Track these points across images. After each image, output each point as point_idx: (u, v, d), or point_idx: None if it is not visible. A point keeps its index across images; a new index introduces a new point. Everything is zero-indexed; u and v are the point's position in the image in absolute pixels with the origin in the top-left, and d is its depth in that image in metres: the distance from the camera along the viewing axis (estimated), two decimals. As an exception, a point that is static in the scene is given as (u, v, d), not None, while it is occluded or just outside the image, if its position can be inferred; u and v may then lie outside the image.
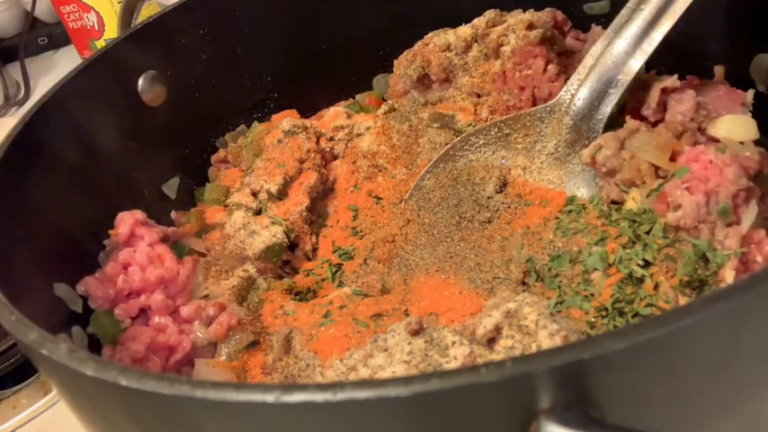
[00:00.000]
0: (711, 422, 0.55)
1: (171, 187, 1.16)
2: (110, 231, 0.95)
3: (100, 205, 0.98)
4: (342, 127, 1.17)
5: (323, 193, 1.12)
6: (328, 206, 1.11)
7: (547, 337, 0.68)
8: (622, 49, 0.96)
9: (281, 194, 1.07)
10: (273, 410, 0.46)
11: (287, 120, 1.15)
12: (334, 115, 1.20)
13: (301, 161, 1.10)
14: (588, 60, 0.98)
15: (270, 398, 0.45)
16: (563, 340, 0.67)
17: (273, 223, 1.02)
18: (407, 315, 0.83)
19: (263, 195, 1.06)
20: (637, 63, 0.95)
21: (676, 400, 0.50)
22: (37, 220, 0.86)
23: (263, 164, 1.10)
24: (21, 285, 0.75)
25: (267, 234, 1.00)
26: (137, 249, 0.94)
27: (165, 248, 0.96)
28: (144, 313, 0.92)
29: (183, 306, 0.92)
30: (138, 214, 0.97)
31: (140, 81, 1.09)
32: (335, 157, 1.17)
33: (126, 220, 0.95)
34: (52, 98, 0.94)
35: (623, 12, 0.97)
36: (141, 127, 1.09)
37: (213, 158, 1.22)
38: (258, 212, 1.05)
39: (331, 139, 1.16)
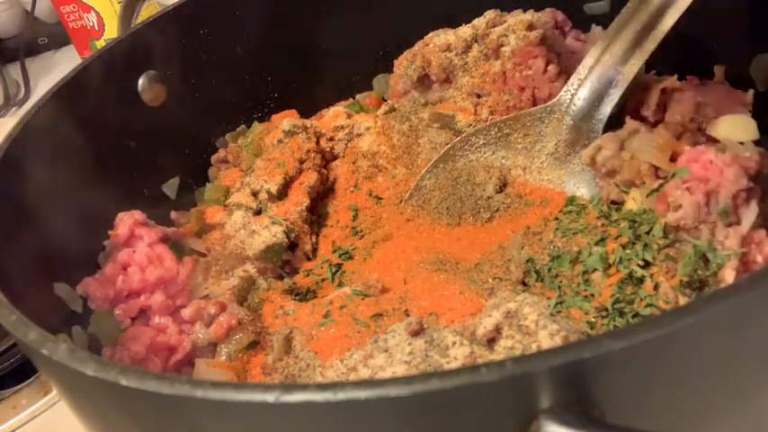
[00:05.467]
0: (712, 422, 0.55)
1: (171, 187, 1.16)
2: (109, 232, 0.95)
3: (100, 205, 0.98)
4: (342, 127, 1.17)
5: (323, 193, 1.12)
6: (328, 206, 1.11)
7: (547, 338, 0.68)
8: (622, 50, 0.96)
9: (281, 194, 1.07)
10: (274, 410, 0.46)
11: (287, 120, 1.15)
12: (334, 115, 1.20)
13: (301, 161, 1.10)
14: (588, 60, 0.98)
15: (270, 397, 0.45)
16: (563, 340, 0.67)
17: (273, 223, 1.02)
18: (408, 315, 0.83)
19: (263, 195, 1.06)
20: (637, 63, 0.95)
21: (676, 399, 0.50)
22: (37, 219, 0.86)
23: (263, 164, 1.10)
24: (21, 285, 0.75)
25: (267, 234, 1.00)
26: (136, 250, 0.94)
27: (165, 249, 0.96)
28: (144, 314, 0.92)
29: (183, 308, 0.92)
30: (138, 214, 0.97)
31: (140, 81, 1.09)
32: (335, 157, 1.17)
33: (125, 221, 0.95)
34: (52, 98, 0.94)
35: (623, 12, 0.97)
36: (141, 127, 1.09)
37: (213, 158, 1.22)
38: (258, 212, 1.05)
39: (331, 139, 1.17)
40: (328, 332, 0.84)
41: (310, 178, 1.08)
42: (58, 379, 0.62)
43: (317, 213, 1.10)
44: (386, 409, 0.46)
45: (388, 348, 0.73)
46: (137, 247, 0.95)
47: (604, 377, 0.46)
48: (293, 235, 1.03)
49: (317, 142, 1.14)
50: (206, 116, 1.20)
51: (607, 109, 0.97)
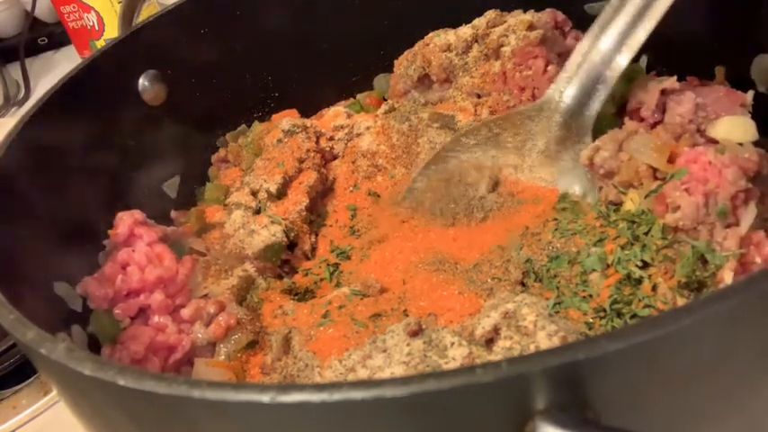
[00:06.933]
0: (709, 423, 0.55)
1: (171, 186, 1.16)
2: (109, 231, 0.95)
3: (100, 204, 0.98)
4: (341, 127, 1.17)
5: (322, 192, 1.12)
6: (328, 205, 1.12)
7: (545, 338, 0.68)
8: (608, 46, 0.95)
9: (281, 194, 1.07)
10: (270, 410, 0.47)
11: (287, 119, 1.15)
12: (333, 115, 1.20)
13: (301, 161, 1.10)
14: (576, 58, 0.98)
15: (266, 398, 0.45)
16: (561, 341, 0.67)
17: (273, 222, 1.02)
18: (406, 315, 0.83)
19: (262, 195, 1.06)
20: (624, 59, 0.95)
21: (674, 401, 0.50)
22: (37, 219, 0.87)
23: (263, 163, 1.10)
24: (20, 284, 0.75)
25: (266, 233, 1.00)
26: (135, 249, 0.94)
27: (165, 248, 0.96)
28: (143, 313, 0.92)
29: (182, 307, 0.92)
30: (138, 214, 0.97)
31: (140, 80, 1.09)
32: (335, 157, 1.18)
33: (125, 220, 0.95)
34: (52, 97, 0.94)
35: (607, 8, 0.96)
36: (141, 126, 1.09)
37: (214, 158, 1.22)
38: (258, 212, 1.05)
39: (331, 138, 1.17)
40: (327, 332, 0.84)
41: (310, 178, 1.08)
42: (57, 378, 0.62)
43: (316, 213, 1.10)
44: (382, 410, 0.46)
45: (386, 349, 0.73)
46: (136, 246, 0.95)
47: (600, 378, 0.46)
48: (292, 234, 1.03)
49: (317, 142, 1.15)
50: (206, 115, 1.20)
51: (596, 105, 0.97)
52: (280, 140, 1.12)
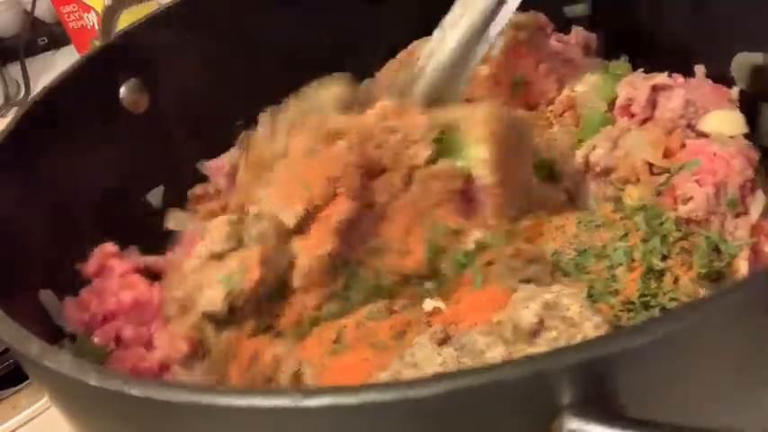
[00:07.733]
0: (737, 407, 0.54)
1: (155, 196, 1.13)
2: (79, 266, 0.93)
3: (85, 213, 0.96)
4: (392, 129, 0.83)
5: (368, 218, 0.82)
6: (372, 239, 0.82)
7: (592, 329, 0.64)
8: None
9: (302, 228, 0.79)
10: (294, 415, 0.45)
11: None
12: (380, 112, 0.84)
13: (335, 181, 0.79)
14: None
15: (289, 401, 0.43)
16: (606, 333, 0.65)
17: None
18: (430, 325, 0.75)
19: (263, 226, 0.80)
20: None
21: (702, 389, 0.49)
22: (23, 228, 0.84)
23: (286, 177, 0.82)
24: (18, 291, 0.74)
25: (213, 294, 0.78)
26: (108, 279, 0.92)
27: (139, 277, 0.94)
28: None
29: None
30: (109, 247, 0.94)
31: (123, 88, 1.06)
32: (384, 171, 0.82)
33: (95, 255, 0.93)
34: (36, 104, 0.92)
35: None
36: (129, 133, 1.06)
37: (189, 194, 1.10)
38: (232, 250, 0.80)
39: (379, 145, 0.82)
40: (342, 360, 0.73)
41: (342, 208, 0.78)
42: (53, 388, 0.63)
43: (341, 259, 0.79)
44: (403, 412, 0.44)
45: (416, 363, 0.67)
46: (108, 278, 0.93)
47: (626, 372, 0.44)
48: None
49: (362, 152, 0.81)
50: (196, 122, 1.15)
51: None
52: (312, 149, 0.81)
